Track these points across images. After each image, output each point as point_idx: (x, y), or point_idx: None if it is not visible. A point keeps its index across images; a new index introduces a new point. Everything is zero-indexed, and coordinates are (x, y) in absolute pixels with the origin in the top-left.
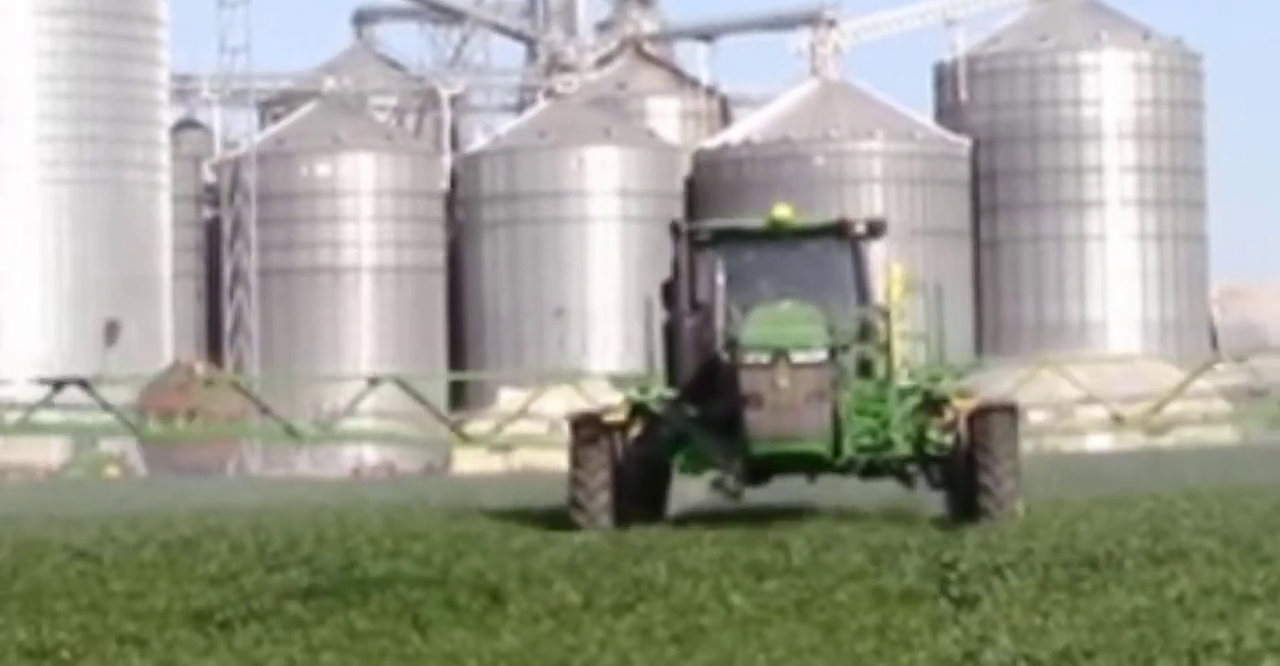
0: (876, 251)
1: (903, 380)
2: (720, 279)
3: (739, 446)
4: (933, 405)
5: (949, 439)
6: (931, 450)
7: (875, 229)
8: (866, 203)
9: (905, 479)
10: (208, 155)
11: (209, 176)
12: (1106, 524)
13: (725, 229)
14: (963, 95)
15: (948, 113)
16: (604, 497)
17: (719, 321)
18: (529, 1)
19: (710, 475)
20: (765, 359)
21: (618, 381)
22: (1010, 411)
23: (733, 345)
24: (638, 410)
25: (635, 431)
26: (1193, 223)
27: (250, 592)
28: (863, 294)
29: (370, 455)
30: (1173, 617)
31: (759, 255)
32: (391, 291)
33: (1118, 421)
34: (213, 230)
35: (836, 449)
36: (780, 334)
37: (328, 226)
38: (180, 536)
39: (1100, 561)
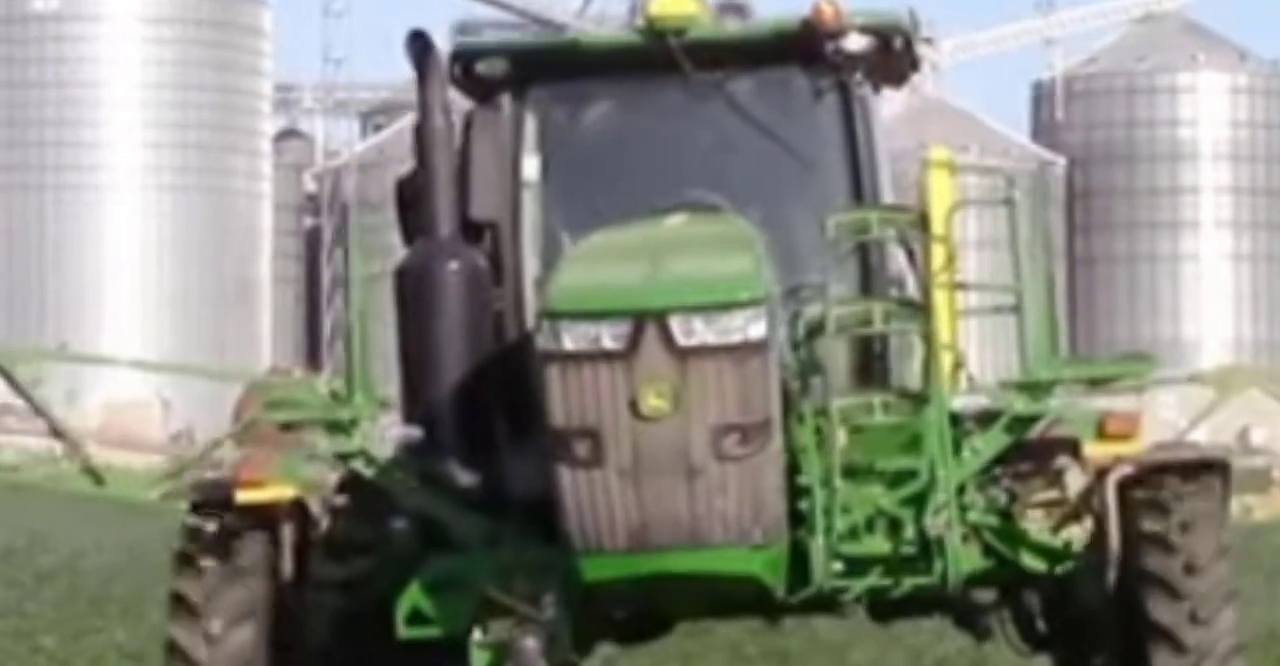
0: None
1: (961, 396)
2: (531, 168)
3: (556, 567)
4: (1033, 455)
5: (1075, 534)
6: (1032, 563)
7: (891, 46)
8: (959, 218)
9: (970, 618)
10: (309, 164)
11: (310, 185)
12: None
13: (540, 49)
14: (1059, 114)
15: (1044, 131)
16: None
17: (528, 263)
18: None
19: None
20: (612, 340)
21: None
22: (1219, 471)
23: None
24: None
25: (325, 527)
26: None
27: None
28: (860, 188)
29: None
30: None
31: (622, 111)
32: None
33: None
34: (313, 239)
35: (798, 571)
36: (653, 279)
37: None
38: None
39: None
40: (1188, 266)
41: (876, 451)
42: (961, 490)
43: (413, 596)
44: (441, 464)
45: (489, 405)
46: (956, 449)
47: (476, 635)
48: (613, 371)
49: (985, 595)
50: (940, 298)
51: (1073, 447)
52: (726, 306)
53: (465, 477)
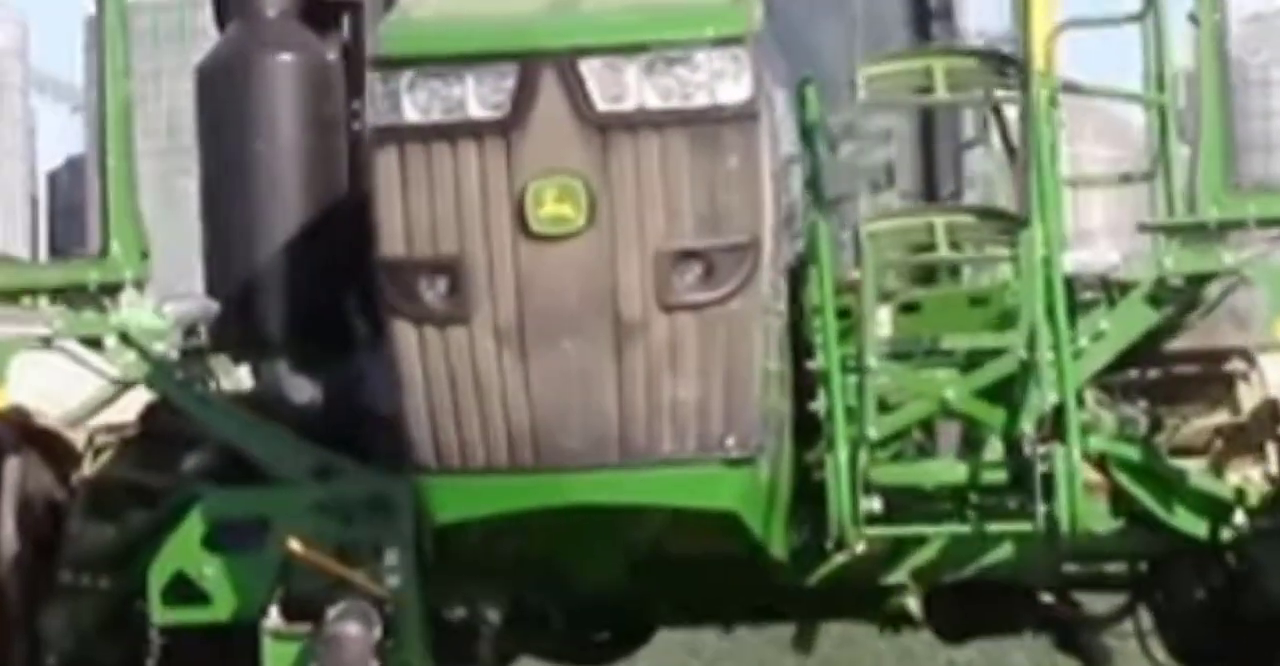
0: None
1: (1077, 251)
2: None
3: (406, 506)
4: (1189, 353)
5: (1252, 479)
6: (1188, 522)
7: None
8: (1084, 213)
9: (1082, 632)
10: None
11: None
12: None
13: None
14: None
15: None
16: None
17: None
18: None
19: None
20: (483, 103)
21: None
22: None
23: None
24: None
25: (89, 470)
26: None
27: None
28: None
29: None
30: None
31: None
32: None
33: None
34: None
35: (807, 514)
36: (556, 5)
37: None
38: None
39: None
40: None
41: (940, 328)
42: (1078, 401)
43: (177, 554)
44: (263, 366)
45: (340, 273)
46: (1079, 333)
47: (273, 618)
48: (484, 157)
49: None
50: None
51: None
52: (683, 45)
53: (300, 389)
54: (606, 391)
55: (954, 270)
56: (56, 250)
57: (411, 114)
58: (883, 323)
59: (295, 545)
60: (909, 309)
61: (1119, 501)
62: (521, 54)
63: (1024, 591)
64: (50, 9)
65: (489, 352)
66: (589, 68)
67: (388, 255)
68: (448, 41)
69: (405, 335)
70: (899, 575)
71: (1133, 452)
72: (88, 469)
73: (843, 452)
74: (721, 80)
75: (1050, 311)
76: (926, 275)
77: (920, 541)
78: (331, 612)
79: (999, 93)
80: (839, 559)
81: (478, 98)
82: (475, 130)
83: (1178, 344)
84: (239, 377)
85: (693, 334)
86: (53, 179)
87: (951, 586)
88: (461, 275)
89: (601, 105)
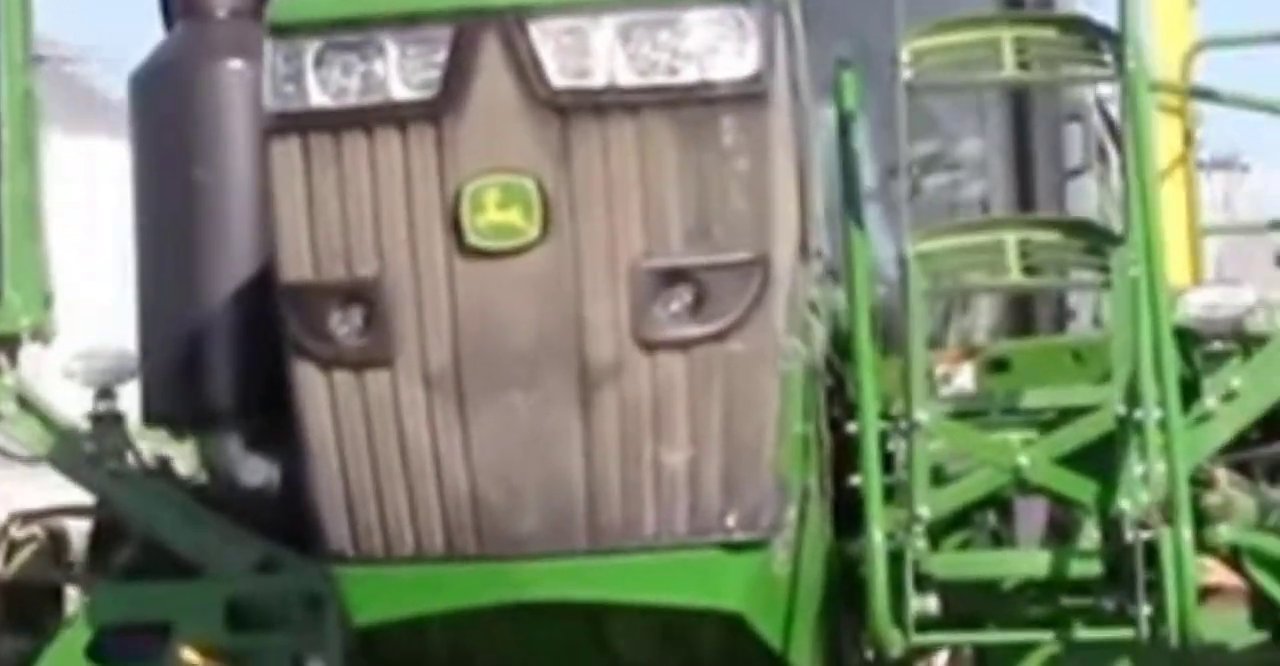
0: None
1: (1200, 290)
2: None
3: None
4: None
5: None
6: None
7: None
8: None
9: None
10: None
11: None
12: None
13: None
14: None
15: None
16: None
17: None
18: None
19: None
20: (408, 82)
21: None
22: None
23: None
24: None
25: (3, 569)
26: None
27: None
28: None
29: None
30: None
31: None
32: None
33: None
34: None
35: (839, 616)
36: None
37: None
38: None
39: None
40: None
41: (1033, 386)
42: (1198, 481)
43: None
44: (210, 444)
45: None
46: (1191, 389)
47: None
48: (408, 150)
49: None
50: (1171, 188)
51: None
52: (669, 2)
53: (254, 470)
54: (570, 455)
55: (1059, 323)
56: None
57: (318, 96)
58: (963, 384)
59: (191, 656)
60: (998, 366)
61: (1259, 608)
62: (456, 13)
63: None
64: None
65: (417, 405)
66: (543, 32)
67: (289, 280)
68: (363, 1)
69: (311, 382)
70: None
71: (1275, 547)
72: (1, 567)
73: (879, 534)
74: (719, 50)
75: (1156, 353)
76: (1022, 328)
77: (1003, 658)
78: None
79: (1086, 70)
80: None
81: (401, 74)
82: (397, 116)
83: None
84: (176, 454)
85: (681, 379)
86: None
87: None
88: (381, 304)
89: (559, 81)
